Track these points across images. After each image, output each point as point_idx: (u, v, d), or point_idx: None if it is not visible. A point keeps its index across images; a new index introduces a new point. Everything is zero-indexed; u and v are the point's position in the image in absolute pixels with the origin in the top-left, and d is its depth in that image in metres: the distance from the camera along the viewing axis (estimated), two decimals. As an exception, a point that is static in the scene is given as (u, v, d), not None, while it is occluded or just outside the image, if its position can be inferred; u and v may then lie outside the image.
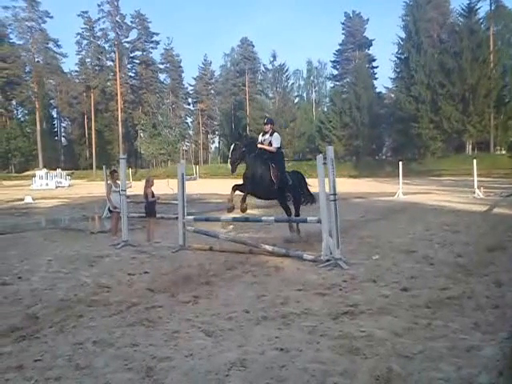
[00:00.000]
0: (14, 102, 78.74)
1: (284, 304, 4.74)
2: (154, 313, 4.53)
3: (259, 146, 8.13)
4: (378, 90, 65.55)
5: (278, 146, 8.20)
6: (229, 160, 7.99)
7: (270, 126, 8.32)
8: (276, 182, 8.01)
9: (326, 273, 6.11)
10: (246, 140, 8.21)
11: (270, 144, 8.30)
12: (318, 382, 2.99)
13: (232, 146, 8.06)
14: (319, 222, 6.87)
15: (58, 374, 3.22)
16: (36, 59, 74.60)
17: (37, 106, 71.50)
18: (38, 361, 3.45)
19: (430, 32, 56.45)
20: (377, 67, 73.37)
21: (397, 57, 58.50)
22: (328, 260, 6.51)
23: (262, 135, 8.34)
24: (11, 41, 73.35)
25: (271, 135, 8.17)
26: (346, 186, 23.10)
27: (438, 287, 5.18)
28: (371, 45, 75.25)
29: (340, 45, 77.57)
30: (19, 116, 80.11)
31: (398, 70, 58.96)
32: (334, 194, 6.54)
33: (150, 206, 9.54)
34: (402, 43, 57.02)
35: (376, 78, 69.41)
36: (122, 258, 7.56)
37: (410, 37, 55.31)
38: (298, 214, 8.83)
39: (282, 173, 8.18)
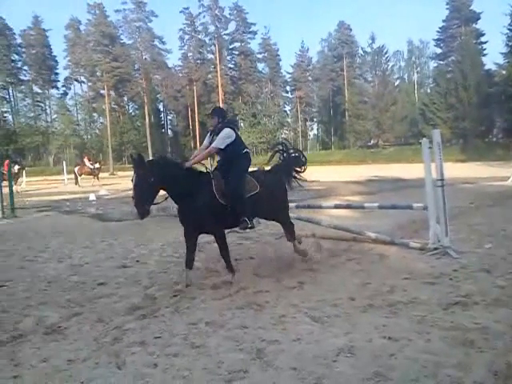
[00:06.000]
0: (125, 98, 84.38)
1: (390, 292, 4.66)
2: (262, 297, 4.69)
3: (186, 164, 5.30)
4: (487, 67, 59.73)
5: (219, 146, 5.35)
6: (132, 201, 5.04)
7: (216, 119, 5.53)
8: (223, 196, 5.23)
9: (434, 261, 5.88)
10: (154, 164, 5.24)
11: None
12: (429, 372, 2.92)
13: (133, 179, 4.98)
14: (425, 208, 6.61)
15: (176, 350, 3.48)
16: (144, 57, 79.15)
17: (145, 100, 75.90)
18: (157, 338, 3.76)
19: (548, -2, 50.71)
20: (486, 42, 66.72)
21: (509, 29, 53.38)
22: (436, 248, 6.26)
23: (210, 135, 5.67)
24: (122, 41, 78.75)
25: (218, 134, 5.41)
26: (453, 170, 21.74)
27: (562, 279, 4.76)
28: (479, 18, 68.56)
29: (444, 21, 72.14)
30: (130, 111, 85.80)
31: (510, 44, 53.77)
32: (442, 180, 6.27)
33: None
34: (515, 13, 52.00)
35: (485, 55, 63.22)
36: (228, 244, 7.85)
37: (524, 5, 50.29)
38: (291, 232, 6.38)
39: (235, 183, 5.30)
